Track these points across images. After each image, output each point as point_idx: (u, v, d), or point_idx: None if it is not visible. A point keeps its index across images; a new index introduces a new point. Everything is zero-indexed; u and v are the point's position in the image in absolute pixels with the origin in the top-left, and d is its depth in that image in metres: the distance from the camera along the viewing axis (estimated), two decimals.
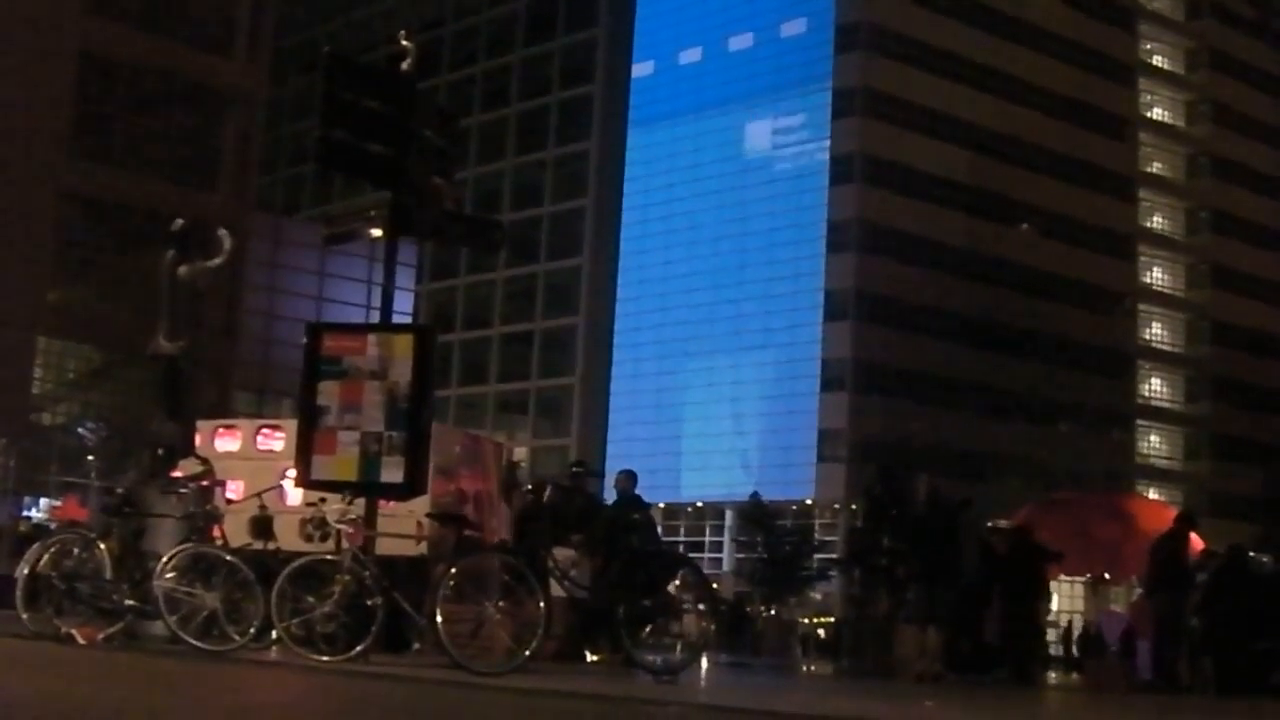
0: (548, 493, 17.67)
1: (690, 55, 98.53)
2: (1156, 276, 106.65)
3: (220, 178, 59.04)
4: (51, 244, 54.07)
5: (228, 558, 13.87)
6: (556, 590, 15.82)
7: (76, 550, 14.75)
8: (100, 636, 13.99)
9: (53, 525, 38.74)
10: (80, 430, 53.86)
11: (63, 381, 58.44)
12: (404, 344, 14.72)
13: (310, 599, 13.38)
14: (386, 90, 16.36)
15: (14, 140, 51.31)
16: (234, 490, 16.90)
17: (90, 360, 57.23)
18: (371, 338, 14.86)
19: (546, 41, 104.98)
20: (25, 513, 48.18)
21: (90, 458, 50.85)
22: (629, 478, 19.52)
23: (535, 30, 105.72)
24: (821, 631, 61.33)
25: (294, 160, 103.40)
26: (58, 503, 48.09)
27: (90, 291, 55.97)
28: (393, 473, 14.43)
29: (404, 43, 16.40)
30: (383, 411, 14.43)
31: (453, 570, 13.32)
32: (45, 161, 52.64)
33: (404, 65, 16.53)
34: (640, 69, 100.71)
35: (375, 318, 15.41)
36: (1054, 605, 36.23)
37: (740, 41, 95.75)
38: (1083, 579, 37.28)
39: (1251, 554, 26.23)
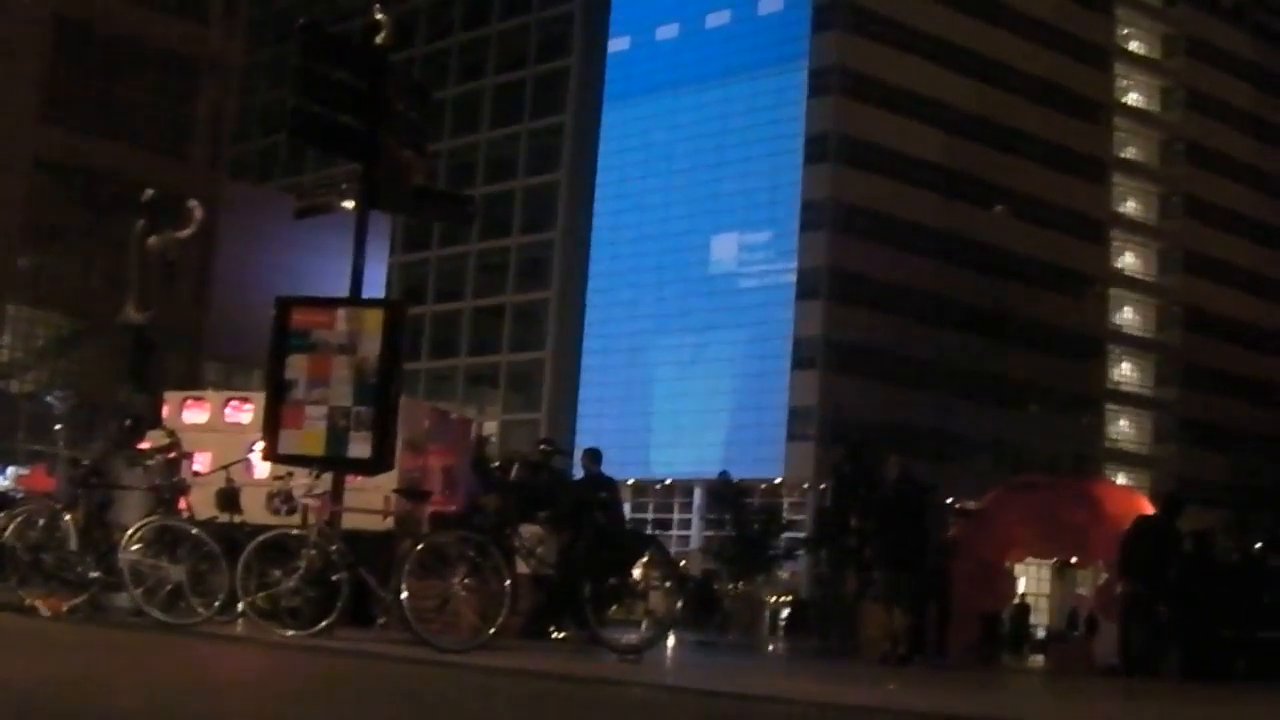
0: (515, 470, 17.68)
1: (667, 31, 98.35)
2: (1128, 261, 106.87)
3: (193, 146, 58.90)
4: (22, 210, 53.89)
5: (193, 530, 13.83)
6: (522, 568, 15.80)
7: (42, 521, 14.71)
8: (65, 608, 13.95)
9: (19, 494, 38.65)
10: (48, 399, 53.71)
11: (31, 349, 58.26)
12: (374, 318, 14.67)
13: (276, 573, 13.35)
14: (360, 63, 16.28)
15: None
16: (201, 462, 16.87)
17: (59, 328, 57.06)
18: (341, 312, 14.80)
19: (523, 15, 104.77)
20: None
21: (58, 427, 50.71)
22: (594, 457, 19.52)
23: (512, 4, 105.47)
24: (788, 610, 61.45)
25: (268, 129, 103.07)
26: (25, 471, 47.91)
27: (60, 259, 55.84)
28: (360, 448, 14.39)
29: (378, 16, 16.33)
30: (351, 386, 14.38)
31: (419, 546, 13.31)
32: (17, 127, 52.43)
33: (378, 39, 16.46)
34: (617, 44, 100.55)
35: (347, 290, 15.36)
36: (1020, 588, 36.29)
37: (718, 19, 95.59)
38: (1049, 563, 37.44)
39: (1218, 540, 26.27)
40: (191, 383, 44.71)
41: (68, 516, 14.51)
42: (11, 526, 14.57)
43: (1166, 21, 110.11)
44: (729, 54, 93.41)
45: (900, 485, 21.33)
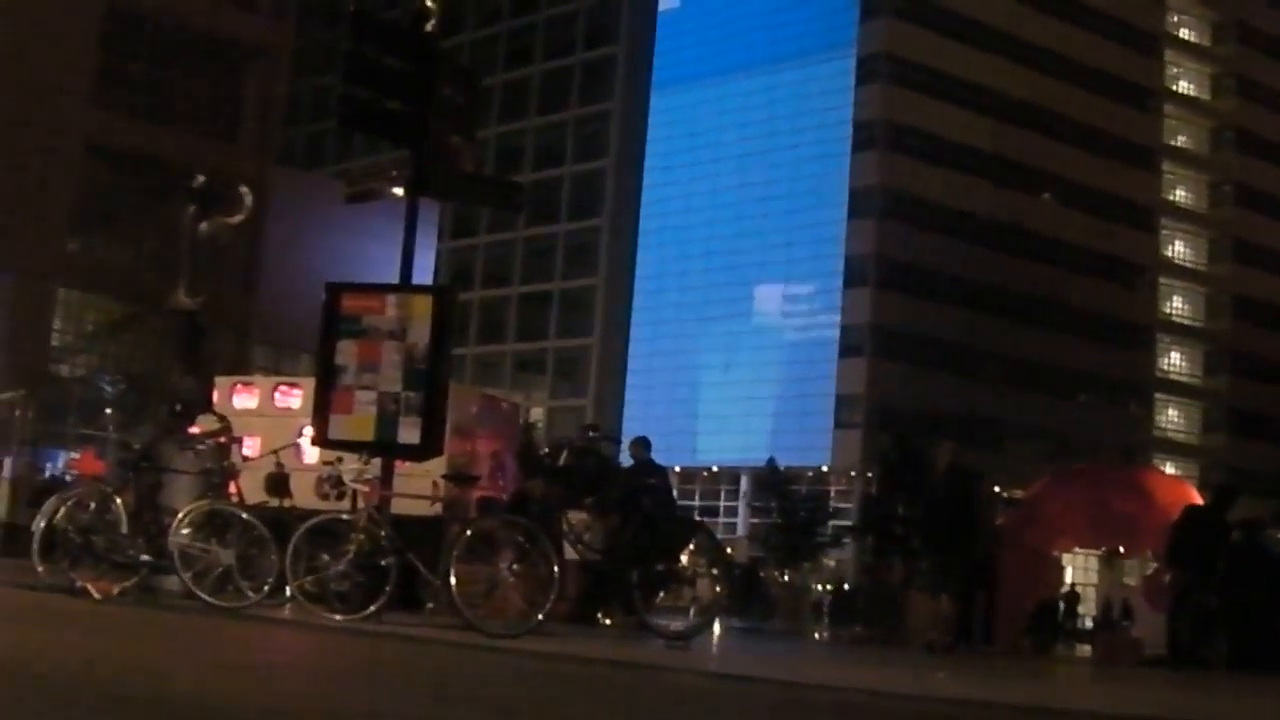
0: (563, 456, 17.69)
1: None
2: (1178, 250, 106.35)
3: (242, 131, 59.09)
4: (73, 195, 54.15)
5: (243, 515, 13.91)
6: (570, 553, 15.84)
7: (93, 504, 14.79)
8: (115, 590, 14.03)
9: (70, 477, 38.86)
10: (99, 383, 54.01)
11: (82, 333, 58.56)
12: (423, 304, 14.72)
13: (325, 557, 13.41)
14: (409, 50, 16.33)
15: (38, 91, 51.35)
16: (250, 447, 16.93)
17: (109, 312, 57.31)
18: (390, 298, 14.86)
19: (571, 1, 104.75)
20: (43, 464, 48.31)
21: (108, 410, 50.99)
22: (643, 444, 19.51)
23: None
24: (833, 598, 61.39)
25: (316, 114, 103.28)
26: (75, 455, 48.19)
27: (110, 243, 56.10)
28: (409, 433, 14.44)
29: (429, 3, 16.35)
30: (400, 371, 14.44)
31: (467, 531, 13.35)
32: (68, 113, 52.68)
33: (428, 26, 16.49)
34: (666, 3, 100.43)
35: (396, 275, 15.43)
36: (1068, 578, 36.20)
37: None
38: (1098, 552, 37.29)
39: (1268, 530, 26.13)
40: (240, 367, 44.88)
41: (118, 500, 14.59)
42: (63, 509, 14.65)
43: (1216, 8, 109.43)
44: (777, 34, 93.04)
45: (950, 473, 21.26)
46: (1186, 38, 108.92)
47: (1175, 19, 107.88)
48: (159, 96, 57.27)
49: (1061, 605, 36.89)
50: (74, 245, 54.90)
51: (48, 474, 43.08)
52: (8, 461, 36.90)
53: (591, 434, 19.86)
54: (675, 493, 26.84)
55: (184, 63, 57.88)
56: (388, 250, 62.14)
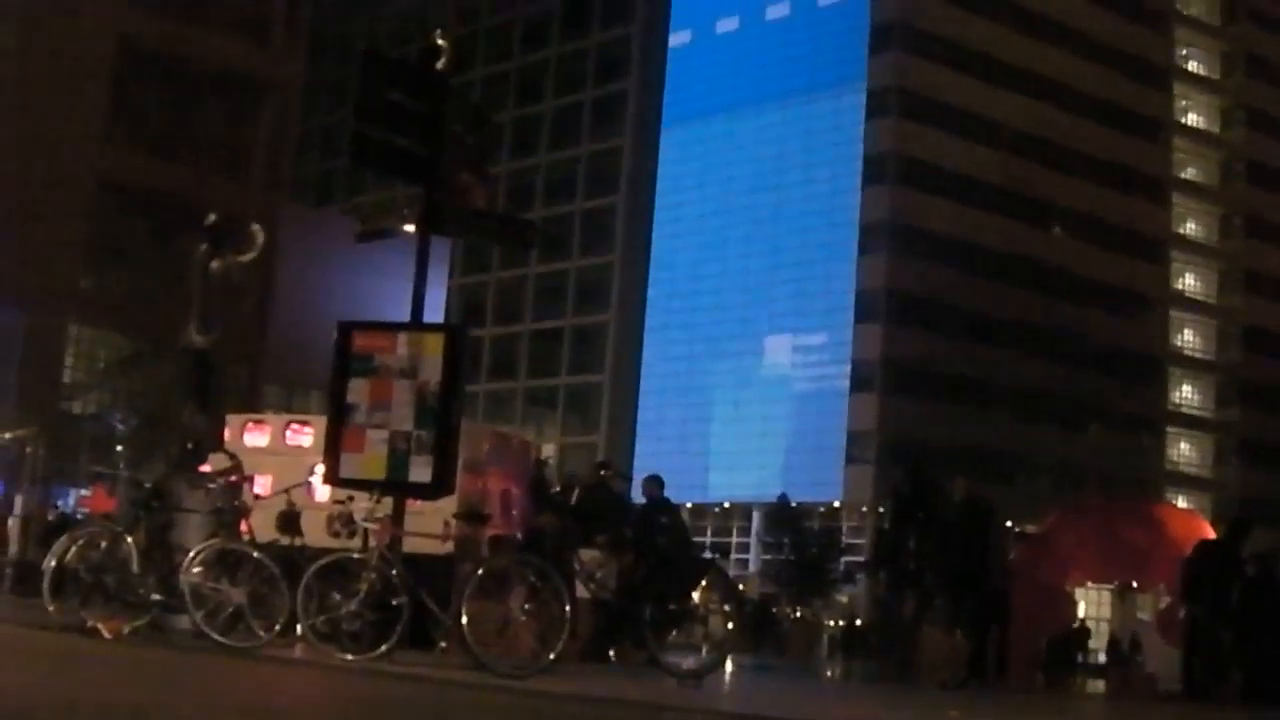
0: (575, 494, 17.68)
1: (727, 24, 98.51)
2: (1188, 282, 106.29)
3: (254, 168, 59.17)
4: (85, 231, 54.21)
5: (254, 554, 13.89)
6: (582, 591, 15.80)
7: (104, 543, 14.78)
8: (125, 629, 14.01)
9: (81, 515, 38.85)
10: (110, 420, 54.01)
11: (93, 370, 58.59)
12: (435, 343, 14.69)
13: (336, 596, 13.38)
14: (421, 88, 16.36)
15: (50, 126, 51.46)
16: (262, 485, 16.91)
17: (121, 349, 57.35)
18: (402, 336, 14.84)
19: (581, 38, 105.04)
20: (55, 502, 48.30)
21: (119, 448, 50.98)
22: (656, 483, 19.49)
23: (570, 26, 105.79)
24: (846, 634, 61.28)
25: (328, 150, 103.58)
26: (86, 492, 48.17)
27: (123, 279, 56.12)
28: (421, 472, 14.40)
29: (439, 41, 16.39)
30: (412, 410, 14.40)
31: (479, 570, 13.33)
32: (80, 149, 52.79)
33: (439, 63, 16.52)
34: (677, 39, 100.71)
35: (407, 312, 15.41)
36: (1080, 612, 36.08)
37: (777, 10, 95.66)
38: (1110, 586, 37.17)
39: None
40: (252, 404, 44.89)
41: (129, 539, 14.57)
42: (74, 548, 14.65)
43: (1225, 40, 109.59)
44: (788, 60, 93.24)
45: (965, 507, 21.22)
46: (1195, 70, 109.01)
47: (1184, 51, 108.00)
48: (171, 133, 57.37)
49: (1072, 639, 36.76)
50: (86, 281, 54.93)
51: (59, 511, 43.07)
52: (19, 499, 36.88)
53: (603, 471, 19.85)
54: (687, 529, 26.79)
55: (196, 99, 58.01)
56: (399, 287, 62.09)
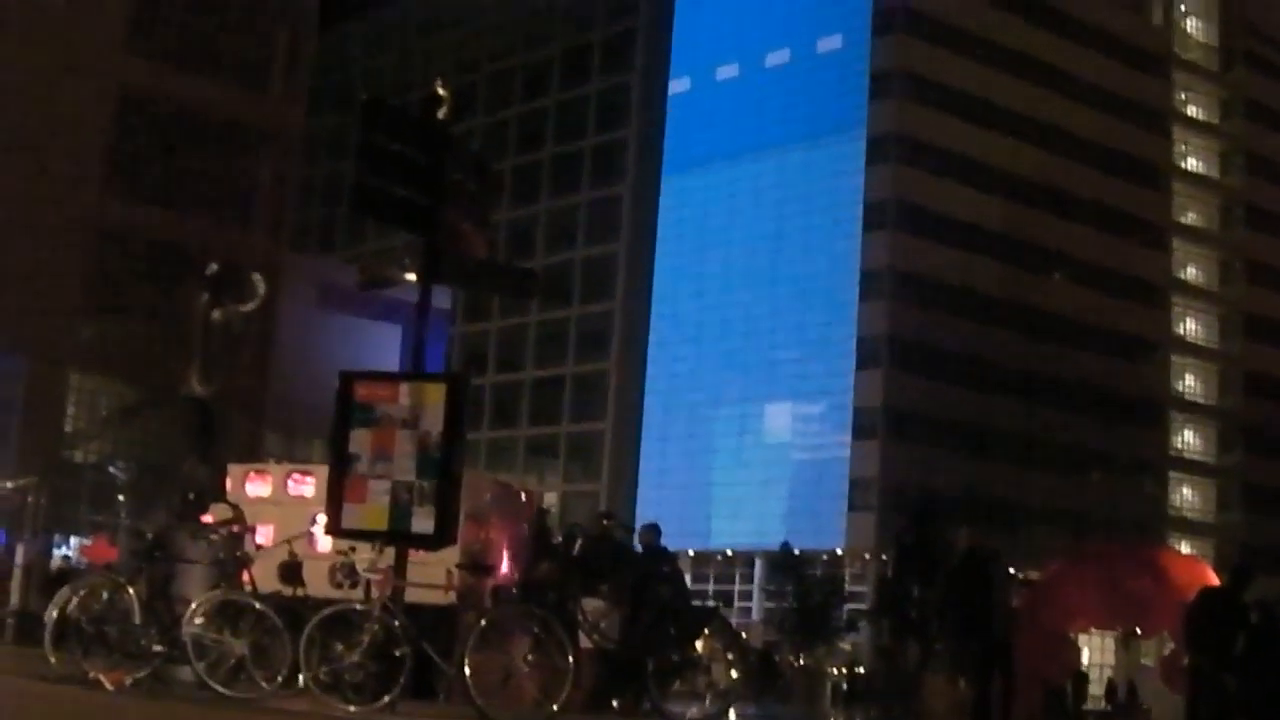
0: (578, 544, 17.64)
1: (727, 71, 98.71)
2: (1189, 327, 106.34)
3: (255, 216, 59.22)
4: (86, 280, 54.26)
5: (256, 604, 13.86)
6: (585, 641, 15.76)
7: (105, 594, 14.76)
8: (127, 681, 13.96)
9: (83, 564, 38.77)
10: (111, 468, 53.92)
11: (95, 418, 58.54)
12: (436, 393, 14.66)
13: (339, 647, 13.35)
14: (421, 138, 16.38)
15: (52, 176, 51.55)
16: (264, 535, 16.87)
17: (122, 397, 57.32)
18: (404, 386, 14.82)
19: (581, 85, 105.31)
20: (56, 550, 48.22)
21: (121, 497, 50.89)
22: (654, 531, 19.44)
23: (570, 73, 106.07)
24: (849, 682, 61.16)
25: (329, 198, 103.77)
26: (88, 541, 48.09)
27: (124, 328, 56.11)
28: (423, 522, 14.36)
29: (440, 91, 16.42)
30: (414, 460, 14.37)
31: (482, 621, 13.29)
32: (82, 197, 52.86)
33: (440, 112, 16.55)
34: (677, 85, 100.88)
35: (409, 359, 15.44)
36: (1084, 659, 36.02)
37: (777, 58, 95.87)
38: (1114, 633, 37.12)
39: None
40: (253, 452, 44.80)
41: (131, 590, 14.54)
42: (75, 599, 14.63)
43: (1223, 85, 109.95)
44: (788, 106, 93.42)
45: (967, 556, 21.18)
46: (1194, 115, 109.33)
47: (1183, 96, 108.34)
48: (172, 181, 57.43)
49: (1069, 686, 36.67)
50: (87, 330, 54.94)
51: (60, 560, 43.00)
52: (20, 548, 36.81)
53: (605, 521, 19.80)
54: (688, 577, 26.76)
55: (197, 148, 58.08)
56: (399, 336, 62.06)
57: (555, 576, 17.32)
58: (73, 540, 51.89)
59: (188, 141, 57.93)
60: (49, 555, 44.58)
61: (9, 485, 43.33)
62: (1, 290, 50.12)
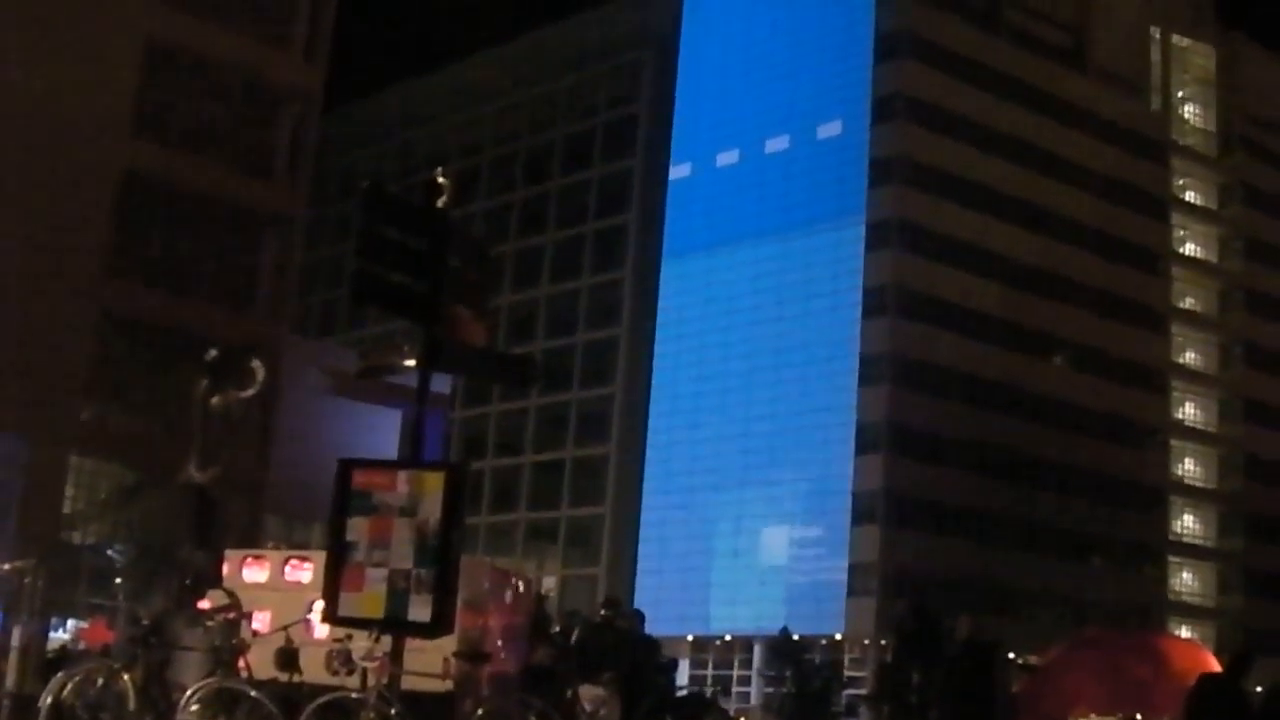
0: (576, 633, 17.62)
1: (728, 158, 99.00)
2: (1189, 411, 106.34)
3: (257, 300, 59.29)
4: (87, 362, 54.25)
5: (252, 692, 13.83)
6: None
7: (100, 680, 14.72)
8: None
9: (80, 646, 38.62)
10: (110, 551, 53.80)
11: (94, 500, 58.42)
12: (434, 481, 14.67)
13: None
14: (422, 225, 16.44)
15: (53, 257, 51.57)
16: (261, 621, 16.85)
17: (122, 480, 57.23)
18: (402, 474, 14.83)
19: (583, 171, 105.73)
20: (53, 633, 48.02)
21: (119, 579, 50.73)
22: (638, 618, 19.41)
23: (572, 159, 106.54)
24: None
25: (331, 281, 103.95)
26: (85, 624, 47.93)
27: (124, 411, 56.09)
28: (420, 610, 14.34)
29: (440, 179, 16.50)
30: (412, 548, 14.36)
31: (479, 709, 13.26)
32: (83, 279, 52.91)
33: (440, 200, 16.63)
34: (678, 171, 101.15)
35: (407, 446, 15.43)
36: None
37: (777, 144, 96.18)
38: (1114, 719, 36.94)
39: None
40: (253, 536, 44.72)
41: (126, 676, 14.51)
42: (70, 684, 14.60)
43: (1222, 170, 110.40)
44: (788, 192, 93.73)
45: (968, 643, 21.15)
46: (1193, 200, 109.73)
47: (1181, 182, 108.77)
48: (174, 265, 57.47)
49: None
50: (87, 413, 54.89)
51: (57, 643, 42.83)
52: (17, 630, 36.68)
53: (604, 611, 19.76)
54: (686, 662, 26.70)
55: (199, 231, 58.18)
56: (401, 418, 61.92)
57: (554, 664, 17.28)
58: (70, 622, 51.69)
59: (190, 225, 58.06)
60: (46, 637, 44.38)
61: (7, 566, 43.21)
62: (1, 370, 50.15)
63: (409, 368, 16.97)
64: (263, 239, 59.83)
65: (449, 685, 15.65)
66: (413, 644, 15.47)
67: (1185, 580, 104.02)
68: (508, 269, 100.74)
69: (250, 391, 17.72)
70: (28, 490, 52.63)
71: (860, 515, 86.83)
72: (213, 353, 17.34)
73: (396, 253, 16.22)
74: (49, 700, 14.44)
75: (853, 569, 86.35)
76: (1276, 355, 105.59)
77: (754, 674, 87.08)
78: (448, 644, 15.87)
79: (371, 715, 13.27)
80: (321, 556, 16.29)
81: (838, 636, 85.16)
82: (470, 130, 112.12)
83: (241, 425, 17.81)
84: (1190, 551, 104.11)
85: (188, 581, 16.22)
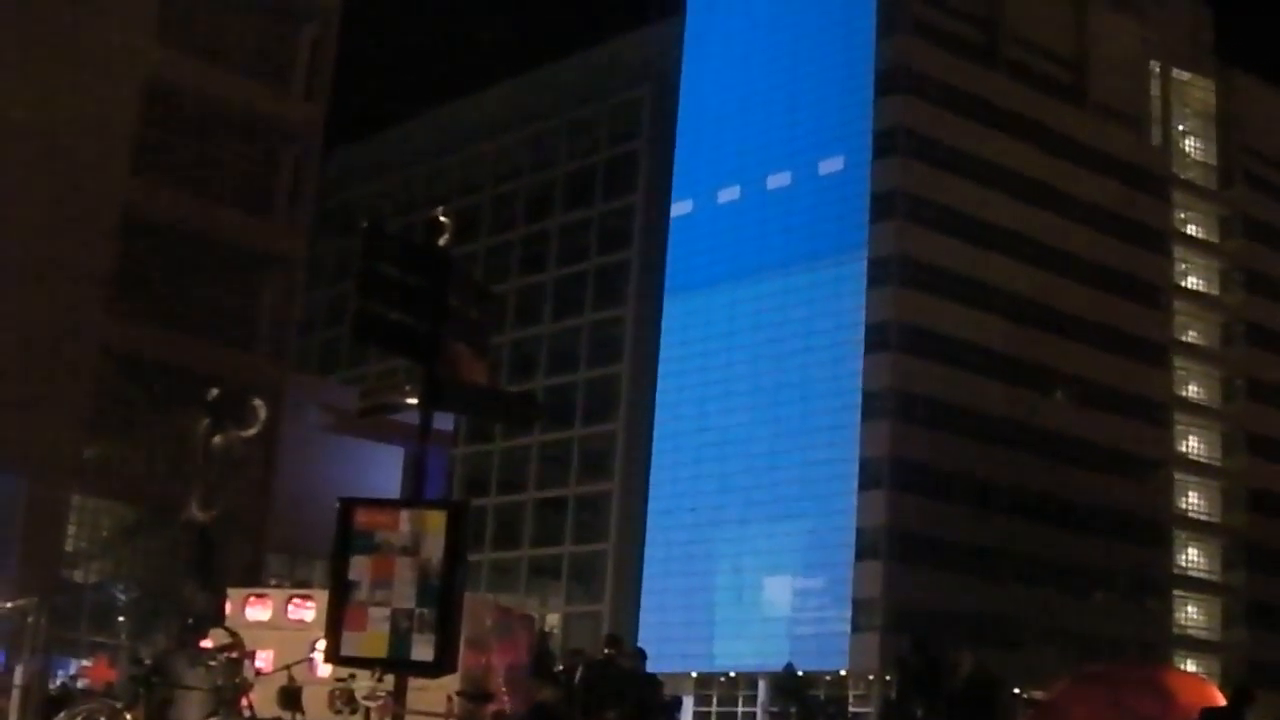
0: (579, 672, 17.59)
1: (729, 194, 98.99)
2: (1192, 445, 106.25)
3: (259, 339, 59.31)
4: (89, 400, 54.25)
5: None
6: None
7: (103, 719, 14.71)
8: None
9: (82, 685, 38.57)
10: (111, 590, 53.74)
11: (96, 539, 58.36)
12: (436, 520, 14.65)
13: None
14: (422, 265, 16.46)
15: (55, 297, 51.62)
16: (264, 660, 16.84)
17: (124, 518, 57.19)
18: (404, 513, 14.81)
19: (584, 208, 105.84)
20: (57, 672, 47.94)
21: (121, 618, 50.70)
22: (639, 655, 19.37)
23: (573, 196, 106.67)
24: None
25: (332, 319, 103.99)
26: (87, 663, 47.85)
27: (125, 449, 56.06)
28: (423, 650, 14.33)
29: (441, 218, 16.54)
30: (414, 588, 14.35)
31: None
32: (86, 319, 52.94)
33: (441, 239, 16.65)
34: (679, 207, 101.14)
35: (409, 484, 15.42)
36: None
37: (779, 180, 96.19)
38: None
39: None
40: (254, 573, 44.70)
41: (129, 716, 14.51)
42: None
43: (1223, 203, 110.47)
44: (790, 228, 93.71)
45: (971, 680, 21.13)
46: (1194, 233, 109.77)
47: (1182, 215, 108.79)
48: (175, 303, 57.47)
49: None
50: (89, 451, 54.85)
51: (60, 681, 42.74)
52: (19, 669, 36.64)
53: (606, 650, 19.73)
54: (690, 699, 26.67)
55: (200, 270, 58.23)
56: (403, 455, 61.91)
57: (558, 704, 17.25)
58: (72, 662, 51.61)
59: (191, 263, 58.10)
60: (48, 676, 44.35)
61: (9, 605, 43.16)
62: (2, 409, 50.14)
63: (410, 406, 16.99)
64: (264, 277, 59.87)
65: None
66: (416, 683, 15.46)
67: (1189, 614, 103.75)
68: (509, 306, 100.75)
69: (251, 430, 17.75)
70: (29, 529, 52.58)
71: (864, 551, 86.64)
72: (214, 392, 17.36)
73: (397, 292, 16.23)
74: None
75: (857, 605, 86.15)
76: (1279, 387, 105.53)
77: (759, 711, 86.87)
78: (451, 683, 15.86)
79: None
80: (324, 595, 16.27)
81: (842, 673, 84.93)
82: (471, 168, 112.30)
83: (243, 464, 17.81)
84: (1194, 585, 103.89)
85: (190, 620, 16.24)
